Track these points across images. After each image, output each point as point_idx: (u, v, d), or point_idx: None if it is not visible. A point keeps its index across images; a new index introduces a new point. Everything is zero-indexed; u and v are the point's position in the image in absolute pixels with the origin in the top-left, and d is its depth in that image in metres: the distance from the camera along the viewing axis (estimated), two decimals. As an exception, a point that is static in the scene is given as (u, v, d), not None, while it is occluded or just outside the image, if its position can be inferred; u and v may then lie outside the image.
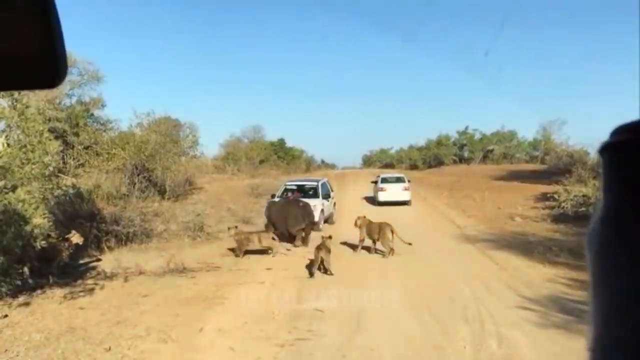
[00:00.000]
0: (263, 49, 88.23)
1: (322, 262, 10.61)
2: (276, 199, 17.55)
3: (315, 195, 18.35)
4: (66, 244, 10.74)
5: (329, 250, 10.73)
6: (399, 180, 25.19)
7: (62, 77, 1.04)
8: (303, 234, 14.27)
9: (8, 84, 1.16)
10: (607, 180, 0.58)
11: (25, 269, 9.36)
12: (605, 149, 0.58)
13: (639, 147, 0.55)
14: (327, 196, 19.12)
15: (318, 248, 10.76)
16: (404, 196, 23.86)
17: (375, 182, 25.60)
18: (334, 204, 20.25)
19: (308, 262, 11.07)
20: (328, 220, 18.75)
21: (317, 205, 17.06)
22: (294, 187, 19.39)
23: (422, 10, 75.47)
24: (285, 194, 18.62)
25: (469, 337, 6.83)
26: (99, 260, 11.86)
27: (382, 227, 12.38)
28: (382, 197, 24.02)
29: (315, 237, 13.15)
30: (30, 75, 1.04)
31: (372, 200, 25.21)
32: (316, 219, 16.26)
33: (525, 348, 6.43)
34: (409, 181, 25.09)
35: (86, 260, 11.75)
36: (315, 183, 19.66)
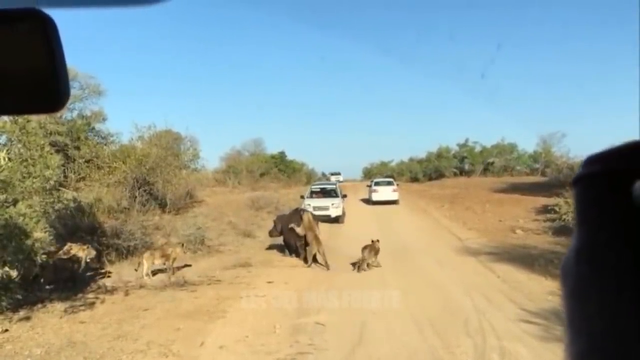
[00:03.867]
0: (264, 63, 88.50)
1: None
2: (306, 199, 22.85)
3: (335, 195, 23.50)
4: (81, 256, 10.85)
5: (377, 252, 12.11)
6: (389, 183, 31.06)
7: (63, 102, 1.04)
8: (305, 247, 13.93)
9: (9, 109, 1.17)
10: (580, 212, 0.57)
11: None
12: (577, 181, 0.58)
13: (610, 178, 0.54)
14: (344, 196, 24.10)
15: (366, 248, 12.03)
16: (393, 196, 29.38)
17: (370, 186, 31.49)
18: (343, 208, 23.50)
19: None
20: (338, 219, 22.06)
21: (340, 202, 22.51)
22: (319, 189, 25.00)
23: (419, 30, 75.90)
24: (312, 195, 23.85)
25: (471, 350, 6.80)
26: (107, 274, 11.81)
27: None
28: (374, 197, 29.62)
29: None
30: (31, 100, 1.04)
31: (367, 201, 30.19)
32: (340, 213, 21.99)
33: (528, 361, 6.41)
34: (397, 184, 31.37)
35: (91, 273, 11.72)
36: (334, 185, 25.89)
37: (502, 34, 64.96)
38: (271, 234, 14.88)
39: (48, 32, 0.98)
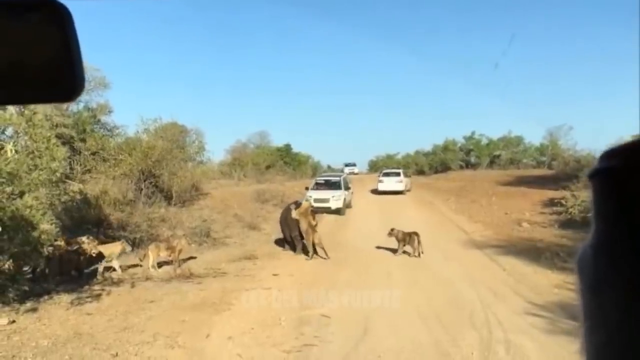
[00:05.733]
0: (270, 55, 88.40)
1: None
2: (310, 191, 23.98)
3: (339, 187, 24.07)
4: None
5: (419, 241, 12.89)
6: (396, 174, 32.69)
7: (79, 91, 1.04)
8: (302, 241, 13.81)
9: (25, 98, 1.18)
10: (597, 207, 0.57)
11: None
12: (595, 175, 0.57)
13: (629, 173, 0.53)
14: (347, 187, 24.79)
15: (409, 234, 12.98)
16: (399, 187, 30.85)
17: (379, 176, 33.44)
18: (352, 192, 26.00)
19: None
20: (347, 205, 23.90)
21: (341, 194, 23.16)
22: (323, 181, 25.48)
23: (427, 23, 75.58)
24: (316, 186, 24.70)
25: (477, 343, 6.79)
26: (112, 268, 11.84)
27: (411, 235, 13.16)
28: (381, 187, 30.89)
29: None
30: (47, 89, 1.05)
31: (375, 191, 31.34)
32: (341, 205, 22.64)
33: (534, 355, 6.39)
34: (406, 176, 33.46)
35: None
36: (339, 178, 25.86)
37: (510, 27, 64.59)
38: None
39: (64, 22, 0.98)
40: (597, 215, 0.56)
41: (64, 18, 0.98)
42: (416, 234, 13.03)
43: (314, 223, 13.19)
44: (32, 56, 1.01)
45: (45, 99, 1.16)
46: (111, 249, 11.48)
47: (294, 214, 13.34)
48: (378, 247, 13.69)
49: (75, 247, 10.91)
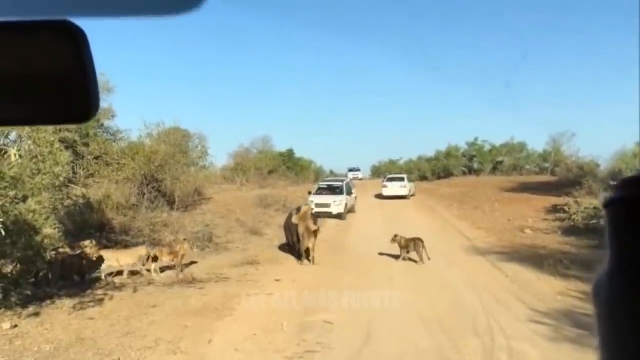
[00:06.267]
0: (272, 60, 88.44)
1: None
2: (312, 195, 24.28)
3: (341, 192, 24.32)
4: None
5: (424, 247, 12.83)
6: (400, 179, 33.36)
7: (94, 113, 1.04)
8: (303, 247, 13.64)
9: (40, 119, 1.17)
10: (614, 234, 0.57)
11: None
12: (610, 204, 0.58)
13: None
14: (350, 193, 25.12)
15: (412, 241, 12.96)
16: (403, 192, 31.30)
17: (383, 181, 34.27)
18: (355, 197, 26.38)
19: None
20: (351, 210, 24.40)
21: (342, 200, 23.38)
22: (325, 186, 25.86)
23: (430, 32, 75.77)
24: (319, 191, 25.13)
25: (480, 350, 6.77)
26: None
27: (415, 241, 13.12)
28: (386, 192, 31.44)
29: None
30: (61, 111, 1.05)
31: (380, 196, 31.90)
32: (342, 210, 22.79)
33: (537, 362, 6.37)
34: (410, 181, 33.79)
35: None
36: (341, 183, 26.09)
37: (514, 35, 64.72)
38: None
39: (79, 43, 0.98)
40: (612, 242, 0.57)
41: (79, 39, 0.98)
42: (420, 240, 13.00)
43: (314, 228, 13.18)
44: (47, 77, 1.01)
45: (60, 121, 1.16)
46: (138, 253, 11.68)
47: (294, 218, 13.39)
48: (381, 253, 13.66)
49: (78, 252, 10.92)
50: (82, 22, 0.98)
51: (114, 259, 11.41)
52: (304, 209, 13.78)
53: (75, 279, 10.82)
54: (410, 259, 12.95)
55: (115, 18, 1.10)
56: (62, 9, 1.01)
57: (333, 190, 24.86)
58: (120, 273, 11.45)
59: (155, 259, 11.75)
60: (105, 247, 12.02)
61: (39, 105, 1.02)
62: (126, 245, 12.29)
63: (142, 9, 1.09)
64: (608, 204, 0.58)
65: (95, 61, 1.00)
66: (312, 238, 13.09)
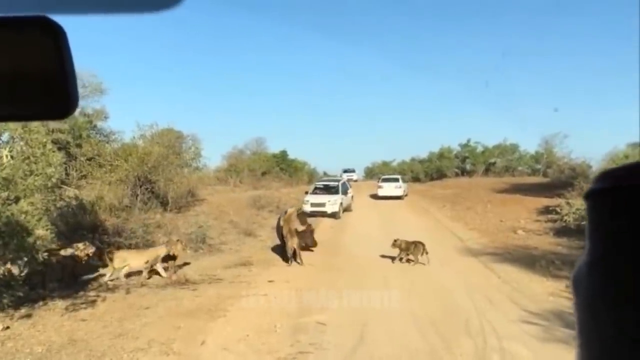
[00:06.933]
0: (266, 62, 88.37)
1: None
2: (308, 195, 25.02)
3: (337, 192, 25.06)
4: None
5: (425, 251, 12.86)
6: (395, 180, 34.25)
7: (72, 109, 1.05)
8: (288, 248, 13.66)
9: (19, 115, 1.18)
10: (592, 226, 0.59)
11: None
12: (590, 195, 0.60)
13: (623, 194, 0.56)
14: (345, 192, 25.91)
15: (413, 243, 12.91)
16: (398, 192, 32.11)
17: (378, 181, 35.35)
18: (352, 197, 27.24)
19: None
20: (347, 209, 25.28)
21: (337, 199, 24.10)
22: (322, 186, 26.48)
23: (422, 33, 75.85)
24: (315, 190, 25.75)
25: (472, 351, 6.80)
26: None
27: (417, 245, 13.10)
28: (381, 192, 32.02)
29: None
30: (40, 107, 1.05)
31: (374, 196, 32.45)
32: (337, 209, 23.49)
33: (529, 362, 6.40)
34: (404, 182, 34.73)
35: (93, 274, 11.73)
36: (337, 183, 26.87)
37: (505, 37, 64.91)
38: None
39: (58, 40, 0.98)
40: (592, 233, 0.59)
41: (58, 35, 0.98)
42: (422, 243, 12.99)
43: (301, 228, 13.48)
44: (25, 74, 1.01)
45: (39, 117, 1.16)
46: (156, 252, 11.77)
47: (281, 220, 13.54)
48: (375, 254, 13.67)
49: (70, 254, 10.91)
50: (63, 20, 0.99)
51: (131, 259, 11.55)
52: (289, 211, 13.95)
53: (83, 278, 10.87)
54: (408, 260, 12.94)
55: (95, 15, 1.10)
56: (40, 5, 1.02)
57: (329, 190, 25.53)
58: (139, 273, 11.59)
59: (174, 257, 11.84)
60: (98, 249, 11.99)
61: (16, 101, 1.03)
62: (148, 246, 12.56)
63: (121, 5, 1.10)
64: (588, 195, 0.60)
65: (78, 57, 1.00)
66: (295, 239, 13.20)
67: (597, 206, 0.59)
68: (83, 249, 11.23)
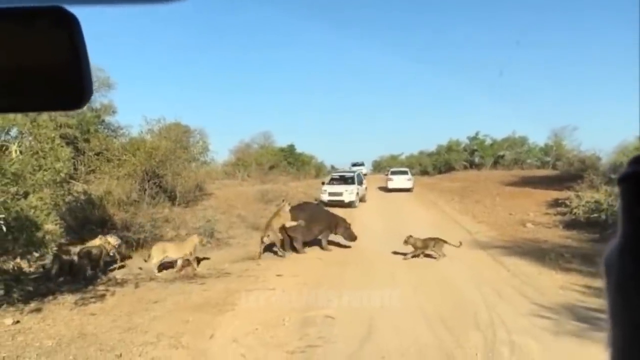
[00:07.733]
0: (273, 56, 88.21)
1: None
2: (325, 185, 26.08)
3: (352, 182, 26.06)
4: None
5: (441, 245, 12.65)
6: (404, 173, 34.99)
7: (86, 99, 1.04)
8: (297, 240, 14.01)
9: (33, 105, 1.18)
10: (625, 210, 0.58)
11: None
12: (624, 179, 0.59)
13: None
14: (360, 183, 26.93)
15: (432, 239, 12.69)
16: (408, 184, 32.61)
17: (386, 174, 36.69)
18: (366, 187, 28.34)
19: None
20: (362, 199, 26.22)
21: (354, 189, 25.21)
22: (338, 177, 27.74)
23: (431, 27, 75.42)
24: (332, 181, 26.85)
25: (481, 344, 6.77)
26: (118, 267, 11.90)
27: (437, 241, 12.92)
28: (390, 185, 32.62)
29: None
30: (54, 97, 1.05)
31: (383, 189, 32.94)
32: (354, 199, 24.65)
33: (538, 356, 6.36)
34: (412, 174, 35.58)
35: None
36: (352, 174, 28.00)
37: (515, 29, 64.44)
38: None
39: (72, 30, 0.99)
40: (624, 217, 0.58)
41: (72, 25, 0.98)
42: (441, 239, 12.75)
43: (289, 225, 13.58)
44: (40, 64, 1.01)
45: (53, 107, 1.16)
46: (193, 242, 11.98)
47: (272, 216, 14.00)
48: (385, 248, 13.61)
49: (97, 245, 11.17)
50: (77, 10, 0.98)
51: (170, 250, 11.82)
52: (279, 207, 14.24)
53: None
54: (426, 255, 12.83)
55: (108, 5, 1.10)
56: None
57: (345, 180, 26.51)
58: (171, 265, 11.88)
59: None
60: (127, 242, 12.23)
61: (31, 91, 1.03)
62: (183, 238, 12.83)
63: None
64: (622, 179, 0.59)
65: (89, 50, 1.00)
66: (272, 233, 13.39)
67: (630, 190, 0.58)
68: (109, 242, 11.39)
